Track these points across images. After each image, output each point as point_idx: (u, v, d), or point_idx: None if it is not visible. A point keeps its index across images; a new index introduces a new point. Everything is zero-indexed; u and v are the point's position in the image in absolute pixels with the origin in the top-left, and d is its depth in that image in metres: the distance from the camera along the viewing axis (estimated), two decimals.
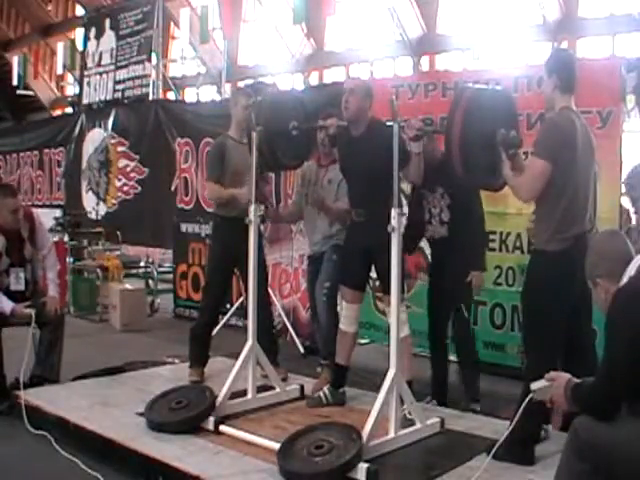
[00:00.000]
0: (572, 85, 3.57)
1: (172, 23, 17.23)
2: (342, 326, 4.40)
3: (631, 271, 2.57)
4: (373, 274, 4.47)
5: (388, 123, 3.86)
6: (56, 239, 7.97)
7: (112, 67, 10.43)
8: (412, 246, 4.81)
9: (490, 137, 3.43)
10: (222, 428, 3.95)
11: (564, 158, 3.37)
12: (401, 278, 3.80)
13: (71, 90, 19.48)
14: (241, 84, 13.08)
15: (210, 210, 5.12)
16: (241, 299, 6.95)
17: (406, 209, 4.19)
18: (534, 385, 2.75)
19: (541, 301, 3.45)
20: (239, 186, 4.77)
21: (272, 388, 4.56)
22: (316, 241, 4.99)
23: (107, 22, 10.62)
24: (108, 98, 10.44)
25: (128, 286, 8.20)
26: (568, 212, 3.43)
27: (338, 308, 4.76)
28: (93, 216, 10.24)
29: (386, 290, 4.07)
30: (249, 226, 4.34)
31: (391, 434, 3.69)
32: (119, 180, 9.79)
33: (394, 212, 3.63)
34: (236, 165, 4.86)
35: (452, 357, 4.90)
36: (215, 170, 4.96)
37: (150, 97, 9.88)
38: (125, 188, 9.69)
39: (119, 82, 10.27)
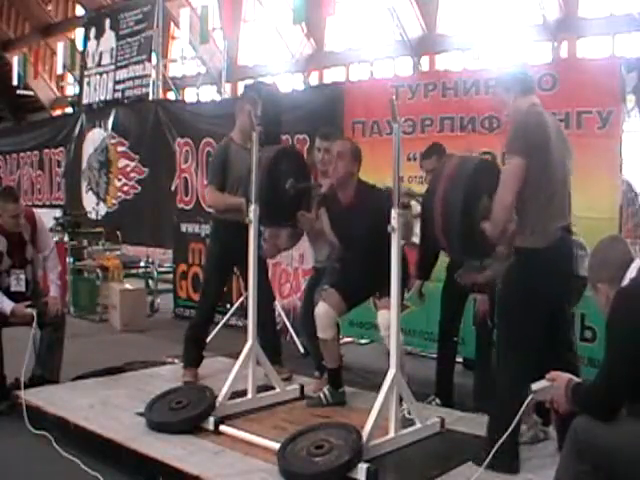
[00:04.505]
0: (532, 88, 3.57)
1: (172, 23, 17.26)
2: (319, 334, 4.33)
3: (632, 273, 2.57)
4: None
5: (377, 187, 3.79)
6: (56, 239, 7.97)
7: (112, 67, 10.43)
8: (426, 273, 4.82)
9: (472, 211, 3.43)
10: (222, 428, 3.95)
11: (538, 153, 3.32)
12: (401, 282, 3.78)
13: (71, 90, 19.51)
14: (241, 84, 13.10)
15: (210, 211, 5.11)
16: (241, 299, 6.95)
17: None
18: (535, 386, 2.74)
19: (521, 299, 3.36)
20: (240, 192, 4.77)
21: (272, 388, 4.56)
22: (320, 259, 5.01)
23: (107, 22, 10.62)
24: (108, 98, 10.44)
25: (128, 286, 8.20)
26: (546, 206, 3.35)
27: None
28: (93, 216, 10.24)
29: (383, 294, 4.07)
30: (249, 226, 4.34)
31: (391, 434, 3.69)
32: (119, 180, 9.79)
33: (394, 212, 3.62)
34: (239, 171, 4.82)
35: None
36: (217, 176, 4.93)
37: (150, 97, 9.89)
38: (125, 188, 9.69)
39: (119, 82, 10.27)
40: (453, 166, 3.53)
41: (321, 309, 4.28)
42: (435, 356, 5.06)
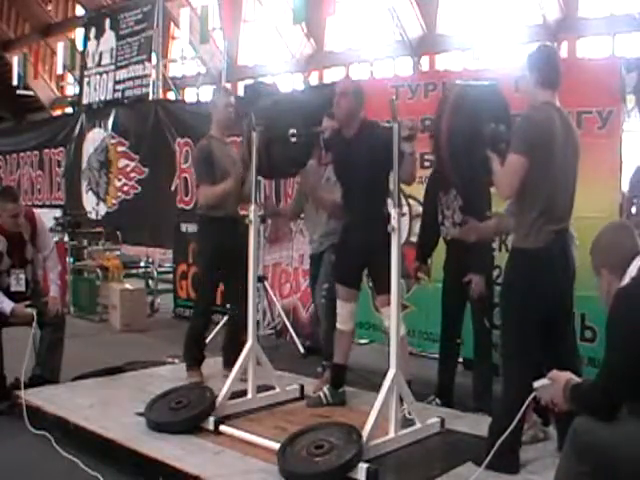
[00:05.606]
0: (555, 81, 3.44)
1: (172, 23, 17.26)
2: (338, 325, 4.40)
3: (632, 272, 2.56)
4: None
5: (381, 123, 3.83)
6: (56, 239, 7.97)
7: (112, 67, 10.42)
8: (425, 255, 4.80)
9: (478, 132, 3.41)
10: (222, 428, 3.95)
11: (540, 154, 3.28)
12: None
13: (71, 90, 19.51)
14: (241, 84, 13.10)
15: (199, 212, 5.12)
16: None
17: (406, 209, 4.18)
18: (537, 384, 2.74)
19: (520, 300, 3.35)
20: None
21: (272, 388, 4.56)
22: (315, 239, 5.01)
23: (107, 22, 10.60)
24: (108, 98, 10.42)
25: (128, 286, 8.20)
26: (545, 209, 3.33)
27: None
28: (93, 216, 10.23)
29: (380, 290, 4.09)
30: (249, 226, 4.34)
31: (391, 434, 3.69)
32: (119, 180, 9.79)
33: (394, 212, 3.62)
34: (224, 165, 4.89)
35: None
36: (206, 174, 4.95)
37: (150, 97, 9.87)
38: (125, 188, 9.69)
39: (119, 82, 10.26)
40: (455, 96, 3.51)
41: (340, 307, 4.36)
42: (435, 356, 5.05)
